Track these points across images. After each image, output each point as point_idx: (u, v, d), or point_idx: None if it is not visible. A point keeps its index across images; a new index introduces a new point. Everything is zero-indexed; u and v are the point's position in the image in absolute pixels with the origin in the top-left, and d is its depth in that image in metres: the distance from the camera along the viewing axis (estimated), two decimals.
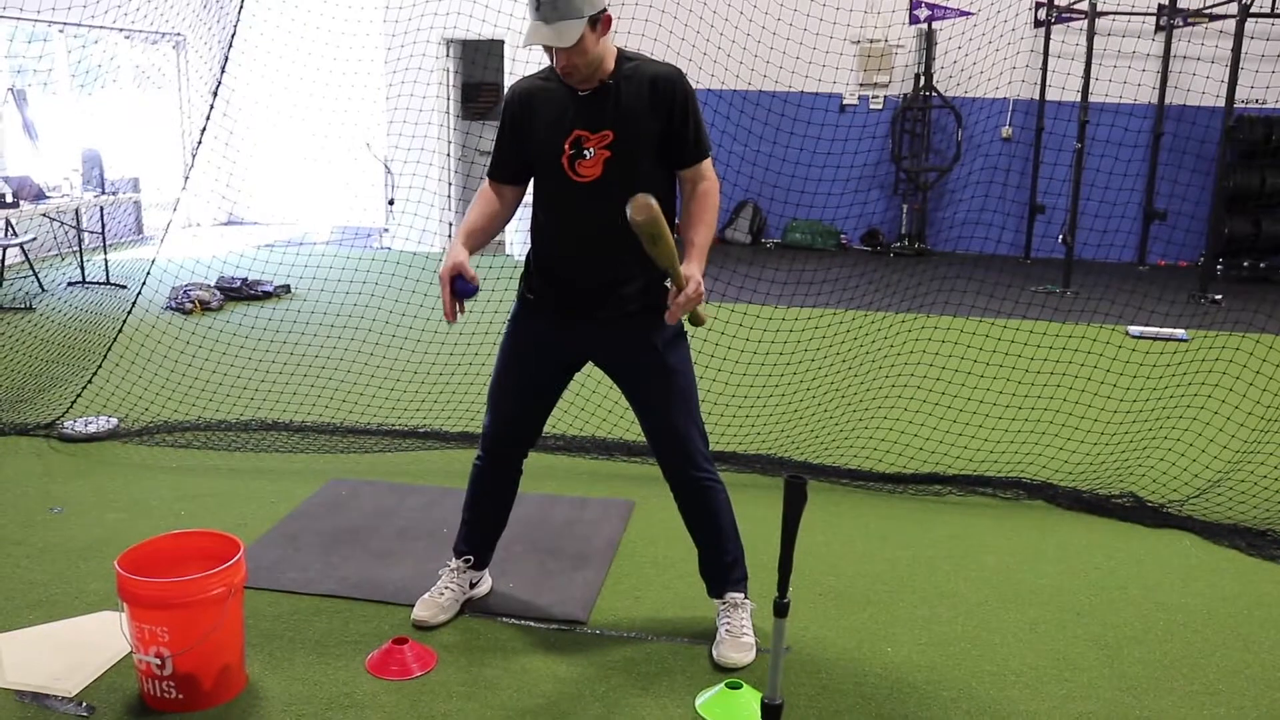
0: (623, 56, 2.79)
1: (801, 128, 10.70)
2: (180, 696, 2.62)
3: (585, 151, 2.76)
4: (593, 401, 4.90)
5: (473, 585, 3.21)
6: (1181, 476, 4.43)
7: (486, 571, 3.29)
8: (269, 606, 3.19)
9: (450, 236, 10.80)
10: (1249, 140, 10.13)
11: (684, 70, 2.85)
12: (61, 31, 10.04)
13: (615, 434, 4.80)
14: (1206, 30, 10.48)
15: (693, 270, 2.70)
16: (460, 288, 2.81)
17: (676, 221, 3.03)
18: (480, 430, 3.11)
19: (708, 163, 2.86)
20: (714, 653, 2.93)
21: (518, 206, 3.02)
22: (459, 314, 2.82)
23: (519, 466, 3.14)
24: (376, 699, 2.71)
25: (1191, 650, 3.07)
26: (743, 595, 3.03)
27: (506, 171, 2.95)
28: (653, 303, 2.86)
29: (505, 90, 2.97)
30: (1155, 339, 7.33)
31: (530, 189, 2.98)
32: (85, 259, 8.59)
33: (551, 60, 2.72)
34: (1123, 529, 3.99)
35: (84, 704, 2.64)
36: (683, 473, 2.95)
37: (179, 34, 11.60)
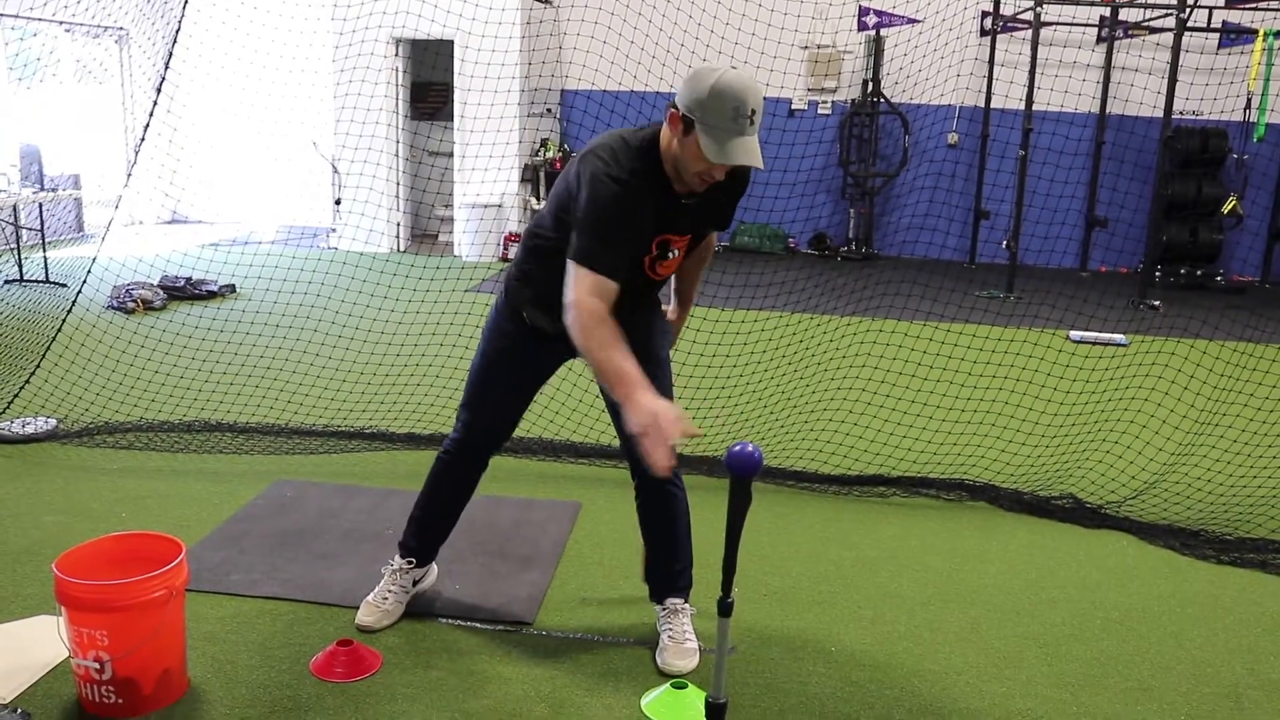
0: None
1: None
2: (120, 701, 2.58)
3: (670, 253, 2.78)
4: (539, 403, 4.90)
5: (415, 582, 3.19)
6: (1119, 478, 4.53)
7: (432, 563, 3.26)
8: (212, 609, 3.15)
9: (399, 236, 10.73)
10: (1186, 150, 10.37)
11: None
12: None
13: (562, 435, 4.80)
14: (1145, 43, 10.72)
15: (680, 324, 3.14)
16: (738, 460, 2.23)
17: None
18: (438, 429, 3.10)
19: None
20: (658, 659, 2.94)
21: None
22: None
23: (487, 462, 3.12)
24: (321, 701, 2.69)
25: (1126, 648, 3.15)
26: (683, 600, 3.03)
27: (624, 270, 2.61)
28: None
29: (605, 178, 2.55)
30: (1095, 343, 7.47)
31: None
32: (23, 257, 8.41)
33: (696, 169, 2.55)
34: (1063, 530, 4.06)
35: (19, 710, 2.59)
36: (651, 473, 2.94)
37: (122, 28, 11.41)
